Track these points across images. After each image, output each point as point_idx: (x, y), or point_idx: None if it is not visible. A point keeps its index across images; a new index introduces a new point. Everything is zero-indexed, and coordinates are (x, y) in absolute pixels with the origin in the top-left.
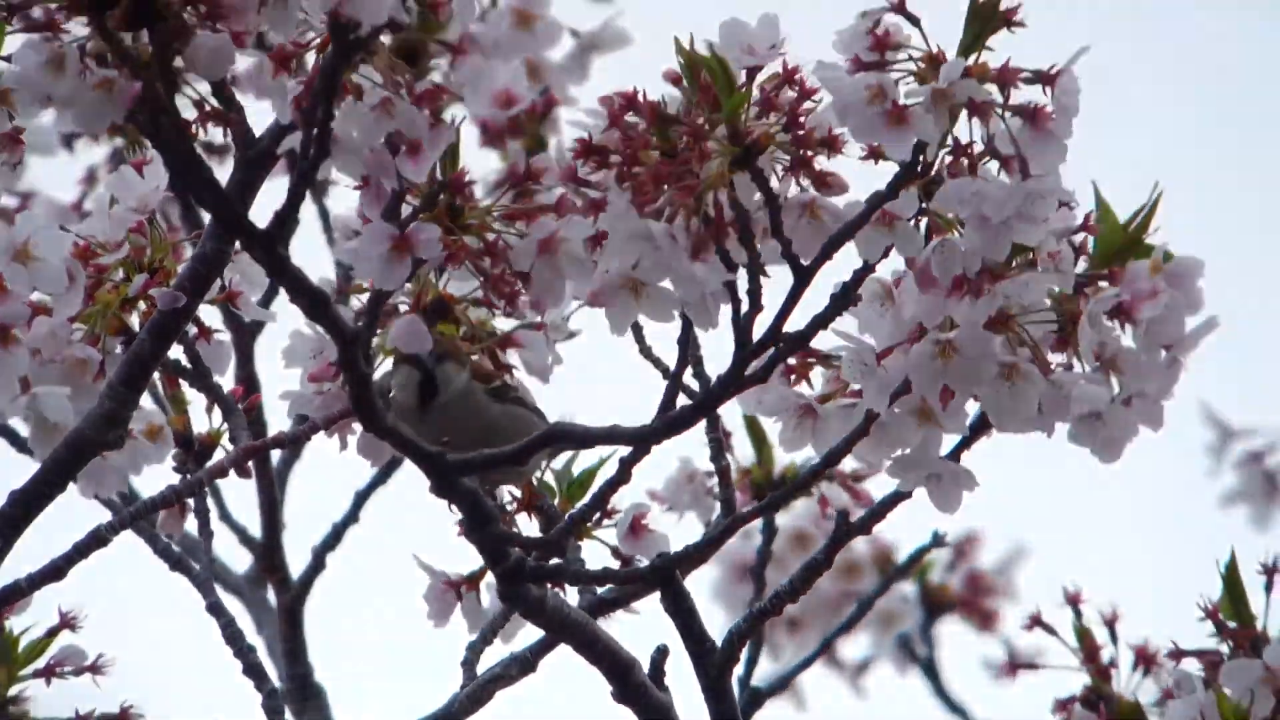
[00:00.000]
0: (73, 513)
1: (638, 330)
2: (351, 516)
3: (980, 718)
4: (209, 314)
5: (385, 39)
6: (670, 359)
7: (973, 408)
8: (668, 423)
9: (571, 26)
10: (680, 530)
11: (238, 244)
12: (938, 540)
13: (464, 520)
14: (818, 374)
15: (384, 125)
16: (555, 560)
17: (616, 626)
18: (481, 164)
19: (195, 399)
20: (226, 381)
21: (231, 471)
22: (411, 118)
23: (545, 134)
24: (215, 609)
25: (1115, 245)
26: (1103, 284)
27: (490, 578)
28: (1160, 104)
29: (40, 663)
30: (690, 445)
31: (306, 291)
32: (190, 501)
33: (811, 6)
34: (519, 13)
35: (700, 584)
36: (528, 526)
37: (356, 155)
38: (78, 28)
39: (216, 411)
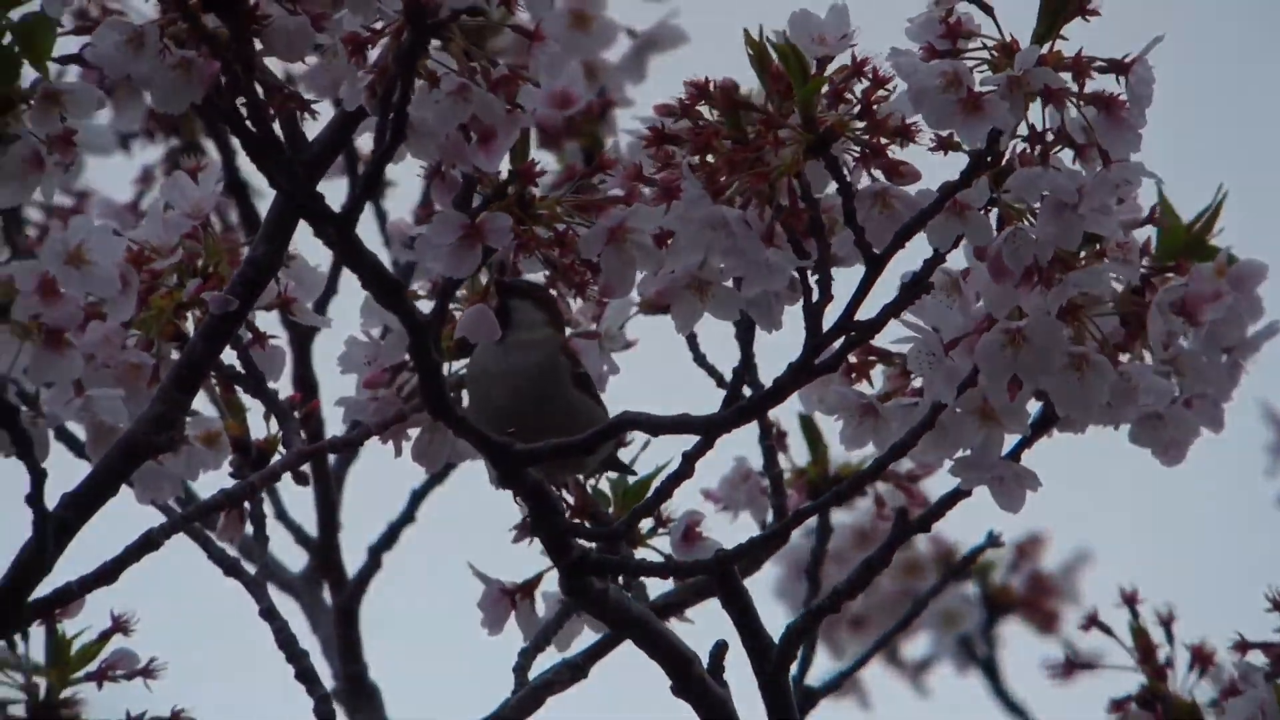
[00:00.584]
0: (127, 516)
1: (692, 339)
2: (408, 516)
3: (1039, 719)
4: (266, 318)
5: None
6: (722, 366)
7: (1033, 408)
8: (738, 410)
9: (628, 26)
10: (735, 530)
11: (290, 248)
12: (993, 540)
13: (528, 513)
14: (877, 373)
15: (459, 111)
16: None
17: (677, 624)
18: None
19: (253, 405)
20: (283, 383)
21: (285, 475)
22: (488, 104)
23: (602, 135)
24: (269, 614)
25: (1179, 246)
26: (1170, 276)
27: (545, 585)
28: (1225, 96)
29: (93, 666)
30: (746, 445)
31: (380, 277)
32: (247, 506)
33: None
34: (575, 13)
35: (761, 582)
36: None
37: (431, 140)
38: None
39: (274, 419)
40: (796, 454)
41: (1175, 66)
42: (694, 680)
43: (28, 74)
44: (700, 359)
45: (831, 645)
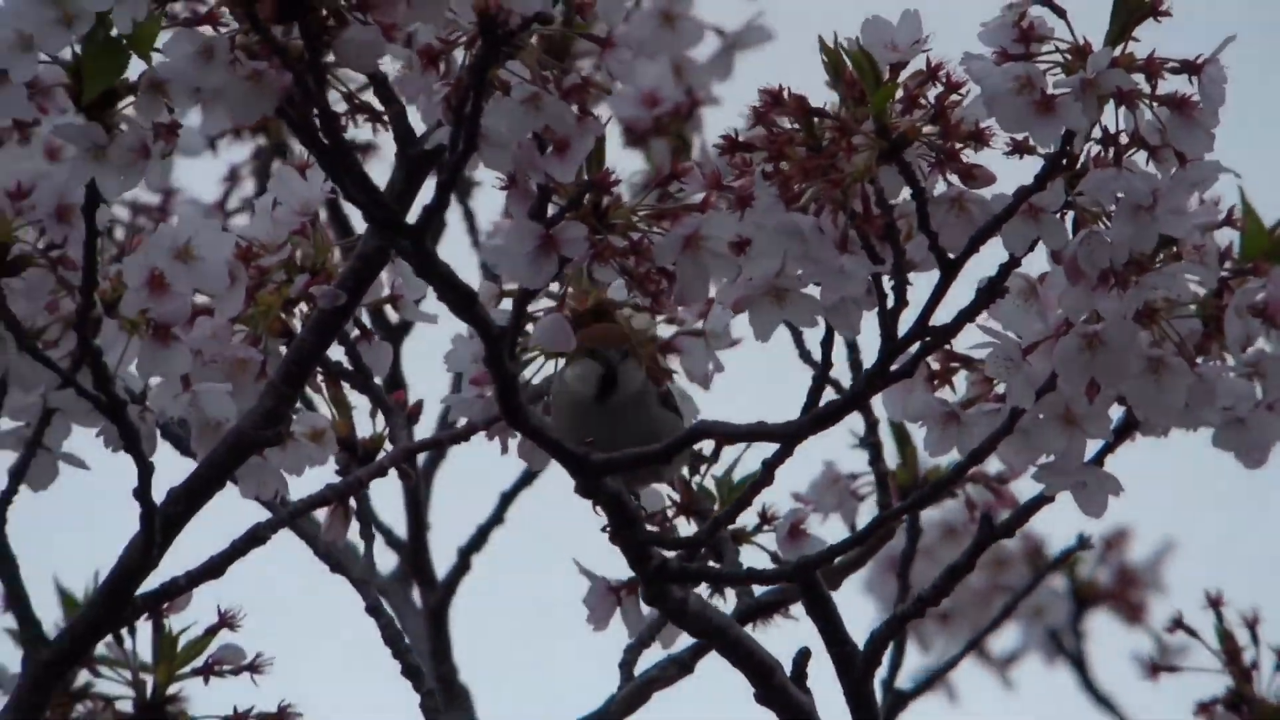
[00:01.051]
0: (225, 511)
1: (796, 334)
2: (496, 517)
3: (1128, 711)
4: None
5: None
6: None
7: (1116, 413)
8: (814, 419)
9: (715, 25)
10: (824, 533)
11: None
12: (1083, 543)
13: (608, 522)
14: (960, 379)
15: (532, 120)
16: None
17: (759, 627)
18: (626, 165)
19: (358, 402)
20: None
21: (391, 471)
22: (560, 113)
23: (689, 134)
24: (375, 610)
25: (1261, 249)
26: (1248, 279)
27: None
28: None
29: (199, 661)
30: (835, 448)
31: (454, 288)
32: (352, 503)
33: (944, 4)
34: (663, 13)
35: (851, 579)
36: (686, 531)
37: (505, 150)
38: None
39: (380, 416)
40: (885, 457)
41: (1261, 64)
42: (777, 688)
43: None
44: (805, 355)
45: (919, 639)
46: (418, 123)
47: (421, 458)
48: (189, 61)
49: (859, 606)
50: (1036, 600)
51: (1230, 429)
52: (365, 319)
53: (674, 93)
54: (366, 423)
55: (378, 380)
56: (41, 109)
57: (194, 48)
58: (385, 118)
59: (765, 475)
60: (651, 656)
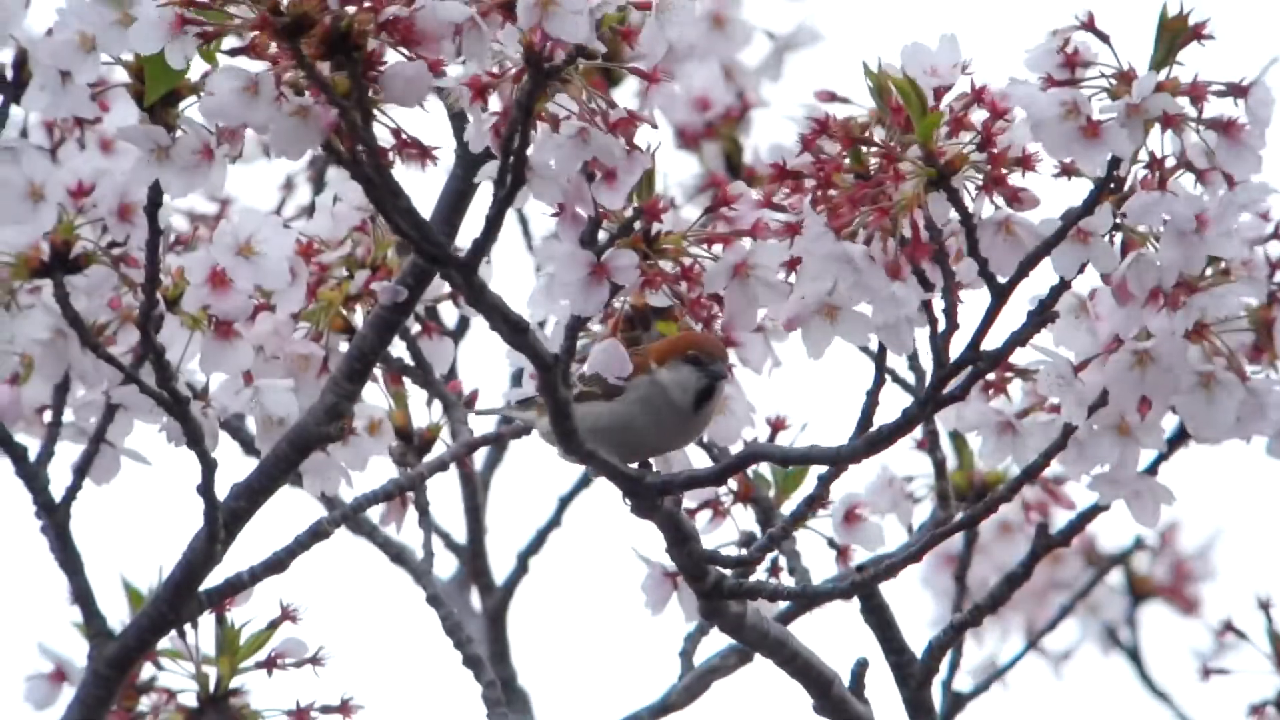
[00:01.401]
0: (292, 504)
1: None
2: (554, 521)
3: (1183, 705)
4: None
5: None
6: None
7: (1169, 422)
8: (867, 442)
9: (765, 28)
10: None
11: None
12: (1139, 544)
13: (664, 540)
14: (1015, 387)
15: (580, 153)
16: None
17: (816, 635)
18: (678, 169)
19: (415, 394)
20: None
21: (451, 469)
22: (608, 146)
23: (740, 137)
24: (435, 600)
25: None
26: None
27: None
28: None
29: (261, 654)
30: (889, 453)
31: (506, 319)
32: (411, 495)
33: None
34: (713, 15)
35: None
36: (743, 517)
37: (553, 183)
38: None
39: (436, 406)
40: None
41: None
42: (835, 700)
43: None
44: (864, 348)
45: (976, 637)
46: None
47: (479, 463)
48: (235, 97)
49: (914, 601)
50: (1092, 595)
51: None
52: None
53: (725, 96)
54: (423, 413)
55: (438, 375)
56: (103, 105)
57: (240, 84)
58: (434, 154)
59: (820, 490)
60: (712, 646)
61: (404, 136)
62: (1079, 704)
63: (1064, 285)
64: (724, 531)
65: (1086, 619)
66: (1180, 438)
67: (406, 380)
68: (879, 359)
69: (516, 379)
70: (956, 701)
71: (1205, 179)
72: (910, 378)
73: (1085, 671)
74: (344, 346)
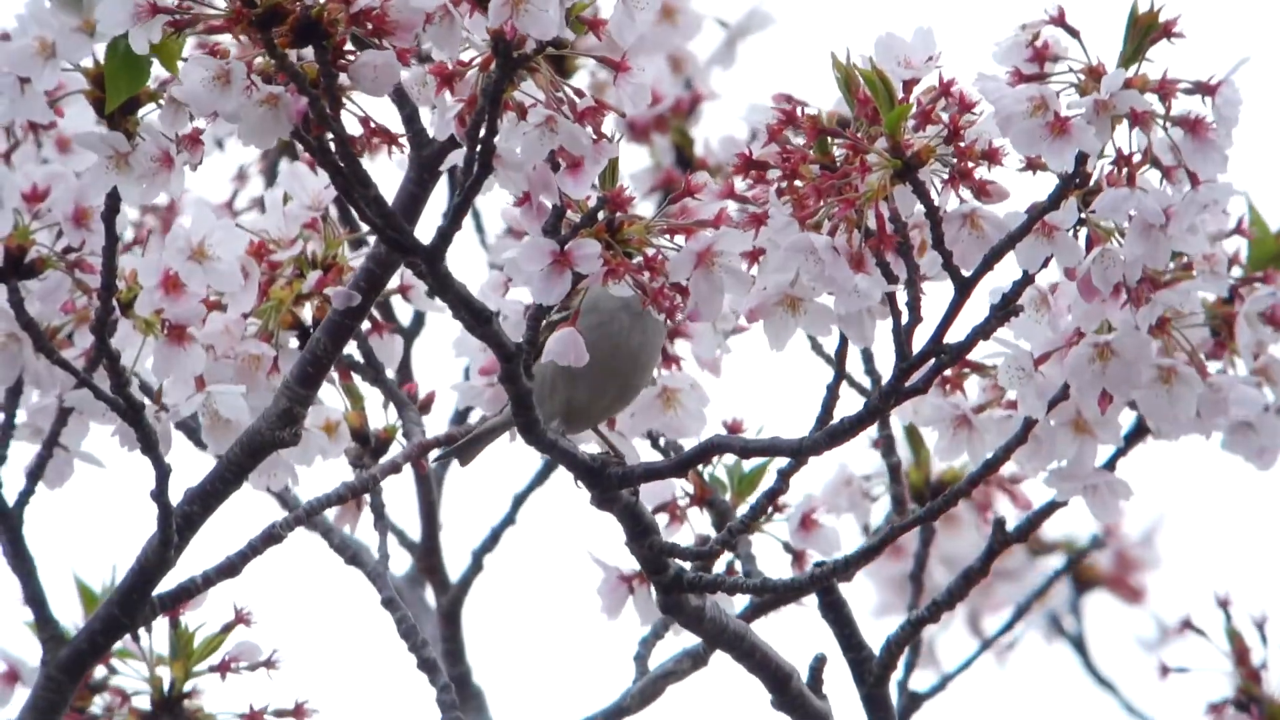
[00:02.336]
0: (246, 505)
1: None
2: (509, 518)
3: (1128, 693)
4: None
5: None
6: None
7: (1127, 419)
8: (828, 434)
9: (716, 16)
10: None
11: None
12: (1097, 543)
13: (624, 532)
14: (972, 383)
15: (547, 142)
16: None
17: (775, 633)
18: (628, 162)
19: (370, 394)
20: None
21: (406, 468)
22: (575, 135)
23: (691, 129)
24: (390, 603)
25: (1270, 253)
26: (1258, 286)
27: None
28: None
29: (215, 658)
30: (848, 451)
31: (470, 307)
32: (366, 496)
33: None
34: (663, 6)
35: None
36: (699, 520)
37: (519, 172)
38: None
39: (393, 408)
40: (901, 459)
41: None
42: (793, 695)
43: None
44: (818, 348)
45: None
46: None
47: (433, 459)
48: (205, 86)
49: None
50: (1036, 583)
51: (1239, 433)
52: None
53: (674, 88)
54: (379, 415)
55: (389, 373)
56: (58, 111)
57: (210, 73)
58: (400, 140)
59: (780, 484)
60: (667, 650)
61: (372, 124)
62: (1024, 693)
63: (1027, 279)
64: (681, 535)
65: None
66: (1138, 433)
67: (361, 381)
68: (838, 357)
69: (466, 376)
70: (913, 701)
71: (1171, 176)
72: (866, 382)
73: (1030, 660)
74: (295, 344)
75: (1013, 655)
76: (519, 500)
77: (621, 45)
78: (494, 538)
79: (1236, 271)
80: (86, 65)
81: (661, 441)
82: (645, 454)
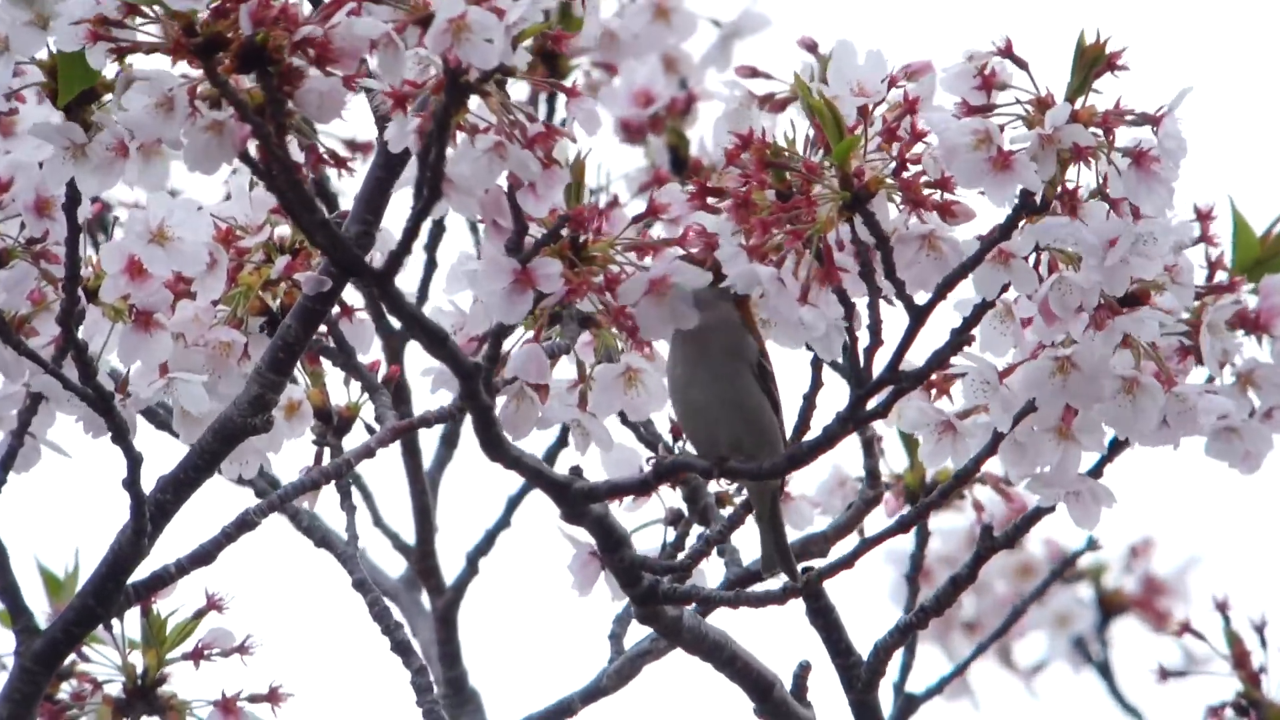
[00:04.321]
0: (216, 492)
1: None
2: (504, 521)
3: (1154, 718)
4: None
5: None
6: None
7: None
8: (788, 458)
9: (712, 16)
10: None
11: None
12: (1091, 545)
13: (596, 545)
14: (958, 388)
15: (497, 167)
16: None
17: (761, 638)
18: (622, 163)
19: (332, 373)
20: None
21: (357, 464)
22: (524, 161)
23: (685, 129)
24: (361, 585)
25: (1253, 258)
26: (1223, 295)
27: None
28: None
29: (188, 645)
30: (841, 452)
31: (424, 328)
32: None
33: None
34: (656, 6)
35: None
36: (671, 496)
37: (471, 196)
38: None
39: (355, 385)
40: (895, 461)
41: (1255, 74)
42: (777, 703)
43: None
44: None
45: (946, 649)
46: None
47: (428, 462)
48: (149, 113)
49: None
50: (1063, 608)
51: (1221, 439)
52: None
53: (668, 88)
54: (341, 391)
55: (360, 357)
56: (19, 98)
57: (153, 100)
58: (350, 164)
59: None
60: (643, 629)
61: (319, 151)
62: (1049, 718)
63: (986, 305)
64: (651, 510)
65: (1056, 633)
66: (1124, 441)
67: (326, 362)
68: (815, 366)
69: None
70: (909, 704)
71: (1117, 209)
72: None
73: (1056, 687)
74: (263, 331)
75: (1039, 680)
76: (513, 503)
77: (594, 48)
78: (489, 540)
79: (1221, 276)
80: (41, 58)
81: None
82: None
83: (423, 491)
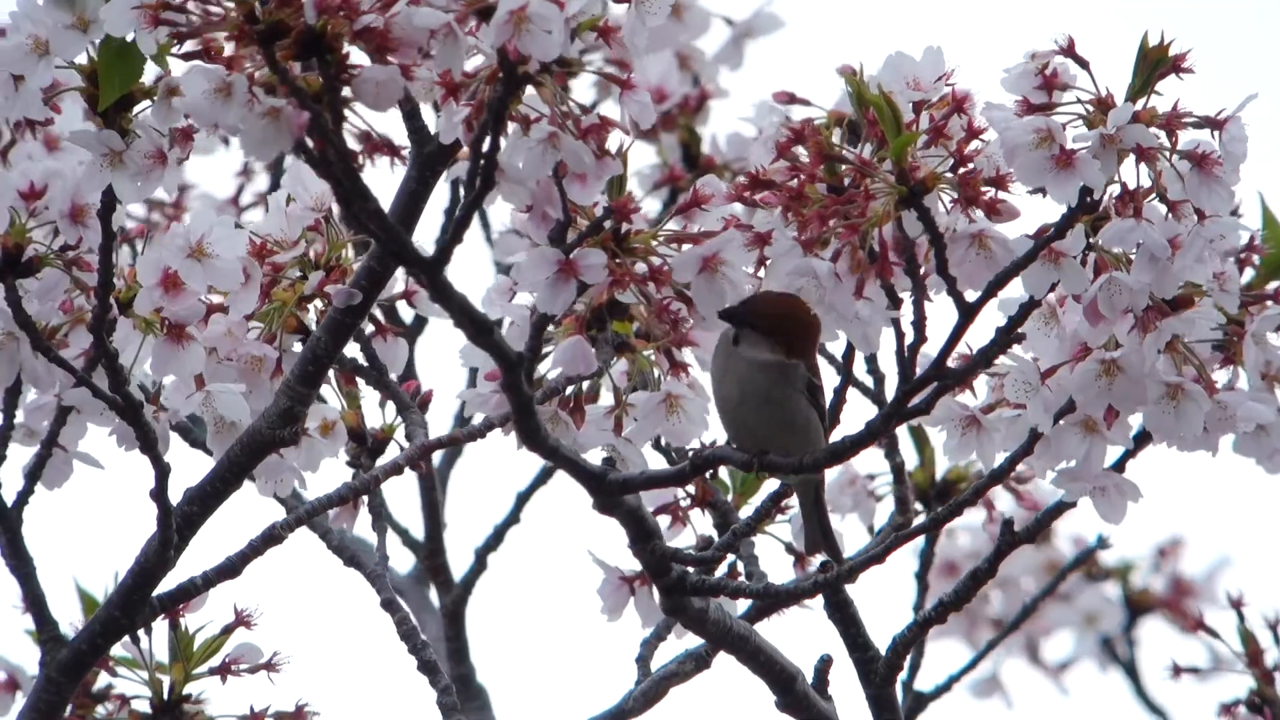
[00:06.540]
0: (245, 506)
1: None
2: (513, 517)
3: (1179, 718)
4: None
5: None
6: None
7: (1136, 419)
8: (829, 452)
9: (725, 15)
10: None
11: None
12: (1102, 543)
13: (627, 536)
14: (981, 381)
15: (550, 158)
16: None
17: (780, 632)
18: (635, 160)
19: (368, 394)
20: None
21: (407, 469)
22: (577, 152)
23: (698, 127)
24: (390, 605)
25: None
26: (1269, 303)
27: None
28: None
29: (216, 661)
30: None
31: (471, 318)
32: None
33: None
34: (671, 4)
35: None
36: (701, 521)
37: (522, 185)
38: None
39: (390, 406)
40: (904, 458)
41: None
42: (798, 696)
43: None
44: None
45: (973, 646)
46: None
47: (437, 458)
48: (207, 98)
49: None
50: (1090, 607)
51: (1252, 437)
52: (380, 315)
53: (681, 85)
54: (376, 413)
55: (393, 376)
56: (54, 108)
57: (211, 85)
58: (403, 153)
59: (784, 490)
60: (669, 651)
61: (374, 138)
62: (1077, 719)
63: (1033, 304)
64: (683, 538)
65: (1084, 633)
66: (1147, 435)
67: (361, 381)
68: (846, 363)
69: (472, 379)
70: (918, 701)
71: (1176, 211)
72: (869, 381)
73: (1082, 685)
74: (297, 347)
75: (1065, 679)
76: (522, 499)
77: (634, 53)
78: (497, 536)
79: (1249, 275)
80: (80, 62)
81: (663, 441)
82: (653, 460)
83: (431, 488)
